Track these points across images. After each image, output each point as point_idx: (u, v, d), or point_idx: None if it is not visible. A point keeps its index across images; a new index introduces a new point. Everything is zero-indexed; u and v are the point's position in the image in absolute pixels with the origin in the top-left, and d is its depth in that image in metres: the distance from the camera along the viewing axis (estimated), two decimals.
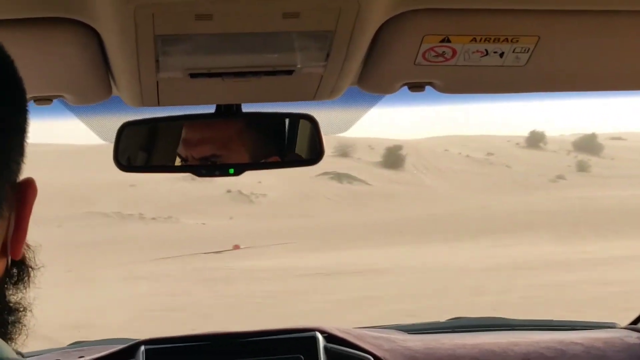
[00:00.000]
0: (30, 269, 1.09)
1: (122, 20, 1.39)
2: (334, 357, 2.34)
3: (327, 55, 1.58)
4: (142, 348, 2.30)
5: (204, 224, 46.65)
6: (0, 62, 0.97)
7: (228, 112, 1.96)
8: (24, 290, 1.08)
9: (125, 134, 1.97)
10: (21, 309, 1.08)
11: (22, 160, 0.97)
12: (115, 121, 2.04)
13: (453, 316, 3.08)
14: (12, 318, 1.06)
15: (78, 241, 37.91)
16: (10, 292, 1.06)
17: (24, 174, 0.97)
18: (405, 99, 1.96)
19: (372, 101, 2.14)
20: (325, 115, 2.06)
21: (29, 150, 0.98)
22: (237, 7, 1.39)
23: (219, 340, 2.35)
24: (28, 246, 1.08)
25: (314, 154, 2.00)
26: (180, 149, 2.02)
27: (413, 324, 2.90)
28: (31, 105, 1.72)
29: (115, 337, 2.89)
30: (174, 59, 1.55)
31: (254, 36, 1.50)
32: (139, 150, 2.03)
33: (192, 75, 1.61)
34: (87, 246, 36.30)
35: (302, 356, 2.31)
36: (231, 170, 1.96)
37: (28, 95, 1.68)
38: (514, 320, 2.94)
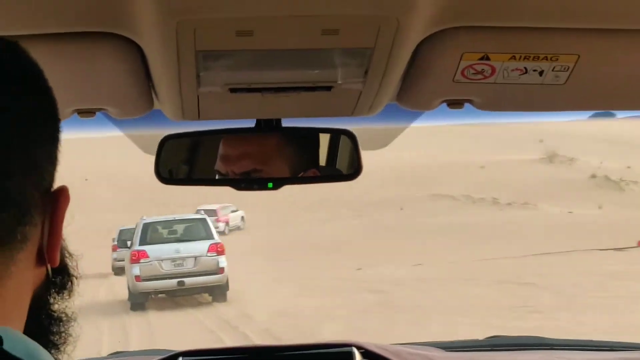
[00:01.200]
0: (73, 278, 1.11)
1: (164, 35, 1.41)
2: None
3: (366, 72, 1.59)
4: (180, 359, 2.32)
5: (570, 212, 39.46)
6: (30, 72, 0.99)
7: (268, 126, 1.98)
8: (68, 299, 1.10)
9: (166, 147, 1.99)
10: (64, 318, 1.09)
11: (54, 169, 0.99)
12: (156, 135, 2.07)
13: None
14: (57, 328, 1.08)
15: (420, 225, 34.10)
16: (54, 301, 1.08)
17: None
18: (444, 115, 1.96)
19: (411, 118, 2.15)
20: (364, 131, 2.07)
21: None
22: (278, 24, 1.41)
23: (256, 354, 2.37)
24: (70, 255, 1.10)
25: (353, 169, 2.01)
26: (219, 165, 2.04)
27: (451, 342, 2.89)
28: (76, 118, 1.77)
29: None
30: (215, 74, 1.57)
31: (293, 52, 1.52)
32: (180, 163, 2.05)
33: (232, 90, 1.63)
34: (432, 232, 32.19)
35: None
36: (270, 185, 1.97)
37: (71, 108, 1.72)
38: (553, 340, 2.92)
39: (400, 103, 1.83)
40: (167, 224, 16.98)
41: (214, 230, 16.75)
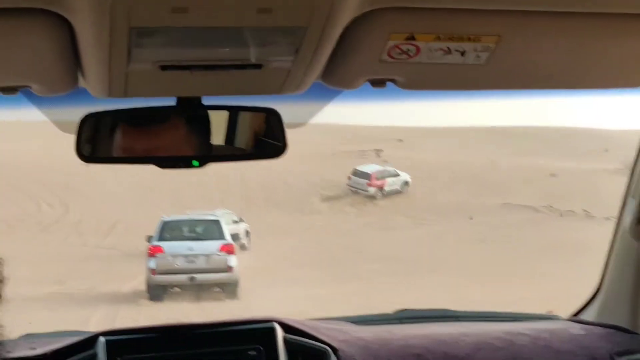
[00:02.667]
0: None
1: (98, 12, 1.40)
2: (292, 347, 2.38)
3: (297, 51, 1.61)
4: (102, 339, 2.30)
5: None
6: None
7: (189, 104, 1.97)
8: None
9: (86, 125, 1.97)
10: None
11: None
12: (74, 113, 2.04)
13: None
14: None
15: (491, 239, 26.40)
16: None
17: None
18: (365, 95, 2.00)
19: (330, 96, 2.17)
20: (284, 108, 2.09)
21: None
22: (213, 1, 1.42)
23: (179, 331, 2.37)
24: None
25: (278, 147, 2.03)
26: (136, 143, 2.03)
27: (361, 316, 2.95)
28: None
29: None
30: (147, 51, 1.56)
31: (227, 30, 1.53)
32: (101, 141, 2.03)
33: (163, 68, 1.63)
34: (543, 249, 23.91)
35: (261, 347, 2.34)
36: (195, 163, 1.98)
37: None
38: (460, 312, 3.01)
39: (326, 81, 1.85)
40: (184, 223, 18.25)
41: (226, 231, 18.01)
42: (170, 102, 1.97)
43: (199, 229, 18.24)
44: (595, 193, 31.17)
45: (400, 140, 39.10)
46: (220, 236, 17.78)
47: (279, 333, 2.38)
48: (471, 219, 29.82)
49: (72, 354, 2.31)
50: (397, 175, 34.04)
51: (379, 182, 33.15)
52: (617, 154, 35.28)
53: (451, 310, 3.02)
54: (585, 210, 30.49)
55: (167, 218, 18.55)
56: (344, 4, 1.45)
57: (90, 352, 2.31)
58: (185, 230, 18.18)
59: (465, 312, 3.01)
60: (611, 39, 1.75)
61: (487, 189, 32.38)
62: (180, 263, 16.85)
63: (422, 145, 37.31)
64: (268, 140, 2.06)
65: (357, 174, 34.09)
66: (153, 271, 16.72)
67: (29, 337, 2.70)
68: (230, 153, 2.10)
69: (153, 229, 18.82)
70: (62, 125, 2.17)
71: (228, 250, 17.37)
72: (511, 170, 34.01)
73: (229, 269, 17.06)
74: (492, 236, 26.28)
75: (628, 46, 1.79)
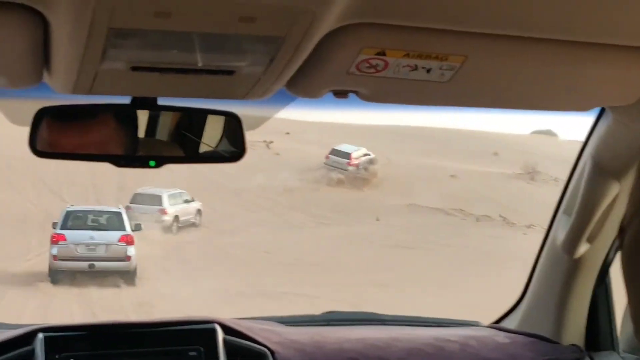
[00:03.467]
0: None
1: (80, 10, 1.38)
2: (232, 349, 2.38)
3: (271, 60, 1.62)
4: (40, 335, 2.26)
5: None
6: None
7: (144, 103, 1.96)
8: None
9: (41, 119, 1.93)
10: None
11: None
12: (26, 105, 2.00)
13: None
14: None
15: (406, 244, 23.78)
16: None
17: None
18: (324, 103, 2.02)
19: (284, 103, 2.19)
20: (237, 112, 2.09)
21: None
22: (197, 8, 1.42)
23: (119, 329, 2.34)
24: None
25: (236, 151, 2.03)
26: (97, 145, 2.00)
27: (290, 316, 2.97)
28: None
29: None
30: (121, 52, 1.55)
31: (206, 36, 1.52)
32: (55, 136, 1.99)
33: (134, 68, 1.61)
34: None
35: (201, 348, 2.34)
36: (152, 163, 1.96)
37: None
38: (385, 316, 3.06)
39: (290, 90, 1.86)
40: (88, 213, 19.10)
41: (127, 223, 18.78)
42: (126, 100, 1.95)
43: (101, 219, 19.03)
44: (505, 198, 29.24)
45: (288, 133, 38.38)
46: (121, 227, 18.51)
47: (219, 334, 2.38)
48: (378, 220, 26.79)
49: (8, 350, 2.26)
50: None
51: (356, 162, 31.65)
52: (508, 158, 34.39)
53: (377, 314, 3.07)
54: (502, 217, 27.61)
55: (71, 208, 19.23)
56: (324, 16, 1.47)
57: (28, 348, 2.26)
58: (89, 220, 18.89)
59: (391, 316, 3.06)
60: (570, 65, 1.82)
61: (388, 188, 30.27)
62: (81, 251, 17.57)
63: (310, 139, 35.54)
64: (225, 143, 2.06)
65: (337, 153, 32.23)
66: (55, 257, 17.47)
67: None
68: (187, 155, 2.09)
69: None
70: (12, 117, 2.12)
71: (127, 240, 18.19)
72: (410, 170, 31.92)
73: (127, 258, 17.88)
74: (405, 240, 24.05)
75: (584, 73, 1.87)
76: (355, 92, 1.88)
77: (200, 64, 1.63)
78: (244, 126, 2.03)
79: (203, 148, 2.09)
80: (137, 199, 22.91)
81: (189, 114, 2.07)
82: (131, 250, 18.11)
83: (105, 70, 1.63)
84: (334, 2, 1.42)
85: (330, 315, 3.04)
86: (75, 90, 1.76)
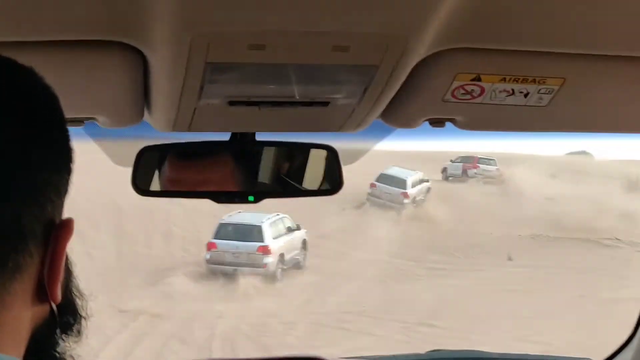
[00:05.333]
0: (81, 318, 1.04)
1: (176, 47, 1.40)
2: None
3: (365, 89, 1.61)
4: None
5: None
6: (45, 97, 0.99)
7: (243, 140, 1.98)
8: (75, 340, 1.03)
9: (143, 158, 1.97)
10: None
11: (60, 200, 0.96)
12: (126, 146, 2.04)
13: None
14: None
15: None
16: (58, 342, 1.02)
17: None
18: (419, 133, 2.00)
19: (381, 135, 2.18)
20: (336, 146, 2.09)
21: None
22: (290, 39, 1.42)
23: None
24: (80, 294, 1.05)
25: (333, 184, 2.03)
26: (197, 183, 2.03)
27: (394, 355, 2.93)
28: None
29: None
30: (219, 87, 1.57)
31: (300, 67, 1.53)
32: (157, 174, 2.03)
33: (231, 103, 1.63)
34: None
35: None
36: (251, 198, 1.97)
37: None
38: (492, 354, 2.99)
39: (386, 120, 1.86)
40: (235, 226, 22.01)
41: (265, 236, 21.74)
42: (225, 136, 1.98)
43: (245, 232, 21.83)
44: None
45: None
46: (260, 239, 21.60)
47: None
48: (511, 259, 21.32)
49: None
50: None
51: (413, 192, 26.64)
52: (567, 178, 29.46)
53: (484, 352, 3.00)
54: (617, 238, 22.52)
55: (223, 220, 22.20)
56: (416, 43, 1.46)
57: None
58: (235, 231, 21.84)
59: (499, 354, 2.98)
60: None
61: (472, 216, 24.50)
62: (228, 257, 21.02)
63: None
64: (322, 176, 2.06)
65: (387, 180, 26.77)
66: (207, 261, 21.27)
67: None
68: (285, 189, 2.10)
69: None
70: (115, 158, 2.17)
71: (264, 251, 21.36)
72: (479, 195, 26.91)
73: (263, 265, 21.03)
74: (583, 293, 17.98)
75: None
76: (451, 120, 1.86)
77: (295, 96, 1.64)
78: (341, 160, 2.03)
79: (300, 181, 2.09)
80: (225, 231, 22.15)
81: (286, 149, 2.08)
82: (267, 259, 21.18)
83: (203, 106, 1.66)
84: (426, 28, 1.41)
85: (436, 354, 2.98)
86: (175, 127, 1.79)
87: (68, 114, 1.69)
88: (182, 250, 22.54)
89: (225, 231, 21.98)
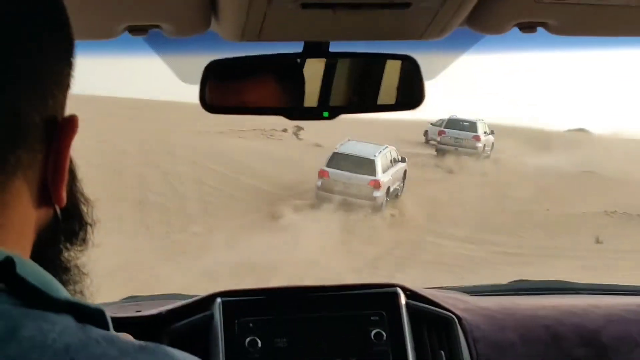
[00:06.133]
0: (87, 225, 0.98)
1: None
2: (415, 313, 2.26)
3: None
4: (219, 300, 2.21)
5: None
6: None
7: (317, 51, 1.84)
8: (80, 249, 0.98)
9: (210, 73, 1.86)
10: (74, 270, 0.98)
11: (63, 94, 0.89)
12: (191, 61, 1.94)
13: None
14: (65, 277, 0.96)
15: None
16: (63, 248, 0.96)
17: None
18: (508, 43, 1.85)
19: (463, 46, 2.03)
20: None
21: None
22: None
23: (298, 294, 2.26)
24: (86, 200, 0.99)
25: (414, 97, 1.89)
26: (269, 98, 1.91)
27: (475, 286, 2.82)
28: (127, 37, 1.62)
29: None
30: None
31: None
32: (226, 90, 1.92)
33: (304, 6, 1.49)
34: None
35: (383, 312, 2.22)
36: (325, 114, 1.85)
37: (123, 24, 1.58)
38: (577, 284, 2.85)
39: (472, 26, 1.70)
40: (348, 157, 22.45)
41: (377, 170, 22.10)
42: (298, 47, 1.85)
43: (357, 164, 22.18)
44: None
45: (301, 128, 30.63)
46: (372, 173, 21.92)
47: (402, 298, 2.26)
48: (600, 242, 17.98)
49: (188, 315, 2.23)
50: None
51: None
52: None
53: (570, 283, 2.86)
54: None
55: (337, 150, 22.90)
56: None
57: (207, 313, 2.22)
58: (348, 162, 22.19)
59: (582, 284, 2.84)
60: None
61: (528, 192, 22.06)
62: (338, 187, 21.37)
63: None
64: (403, 90, 1.92)
65: (455, 125, 27.05)
66: (318, 188, 21.79)
67: (132, 299, 2.63)
68: (362, 103, 1.97)
69: None
70: (183, 76, 2.07)
71: (375, 184, 21.71)
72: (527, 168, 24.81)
73: (373, 198, 21.32)
74: None
75: None
76: (543, 24, 1.69)
77: None
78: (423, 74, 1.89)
79: (378, 95, 1.96)
80: (337, 161, 22.55)
81: (363, 60, 1.94)
82: (376, 193, 21.50)
83: (274, 11, 1.53)
84: None
85: (519, 284, 2.86)
86: (244, 36, 1.66)
87: (131, 22, 1.60)
88: None
89: (337, 161, 22.36)
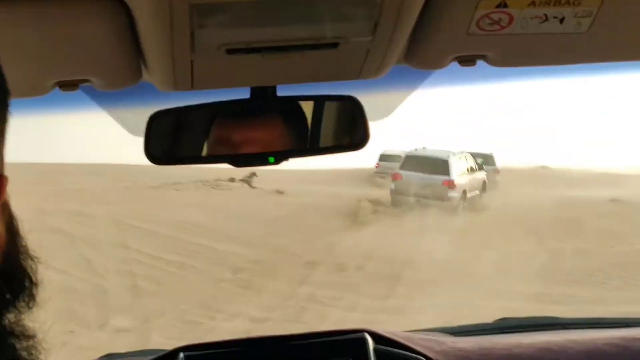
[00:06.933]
0: (32, 285, 0.94)
1: None
2: (384, 358, 2.21)
3: (375, 26, 1.45)
4: (181, 355, 2.18)
5: None
6: None
7: (263, 96, 1.83)
8: (26, 310, 0.93)
9: (155, 124, 1.85)
10: (19, 333, 0.93)
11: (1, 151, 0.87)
12: (139, 113, 1.93)
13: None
14: (8, 343, 0.91)
15: None
16: (5, 312, 0.91)
17: None
18: (452, 78, 1.83)
19: (415, 82, 2.01)
20: (363, 100, 1.92)
21: None
22: None
23: (263, 345, 2.22)
24: (30, 257, 0.95)
25: (358, 138, 1.87)
26: (215, 148, 1.89)
27: (460, 326, 2.76)
28: (57, 93, 1.61)
29: None
30: (210, 32, 1.42)
31: (297, 5, 1.38)
32: (171, 141, 1.90)
33: (229, 52, 1.48)
34: None
35: (350, 359, 2.18)
36: (271, 159, 1.83)
37: (52, 80, 1.57)
38: (565, 319, 2.80)
39: (409, 62, 1.68)
40: (421, 159, 23.04)
41: (451, 170, 22.47)
42: (242, 93, 1.84)
43: (430, 165, 22.70)
44: None
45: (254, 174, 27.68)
46: (445, 173, 22.33)
47: (370, 344, 2.22)
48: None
49: None
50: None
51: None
52: None
53: (557, 318, 2.81)
54: None
55: (410, 153, 23.71)
56: None
57: None
58: (421, 164, 22.76)
59: (572, 319, 2.79)
60: None
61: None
62: (412, 188, 21.78)
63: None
64: (348, 130, 1.90)
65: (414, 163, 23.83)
66: (392, 191, 22.49)
67: (108, 357, 2.60)
68: (307, 147, 1.95)
69: None
70: (130, 128, 2.06)
71: (449, 185, 22.09)
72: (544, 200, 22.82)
73: (447, 198, 21.60)
74: None
75: None
76: (482, 56, 1.67)
77: (298, 39, 1.48)
78: (367, 113, 1.87)
79: (322, 138, 1.94)
80: (410, 163, 23.24)
81: (306, 103, 1.92)
82: (451, 193, 21.90)
83: (200, 59, 1.52)
84: None
85: (504, 323, 2.80)
86: (178, 86, 1.66)
87: (60, 77, 1.59)
88: None
89: (410, 163, 22.96)
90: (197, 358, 2.18)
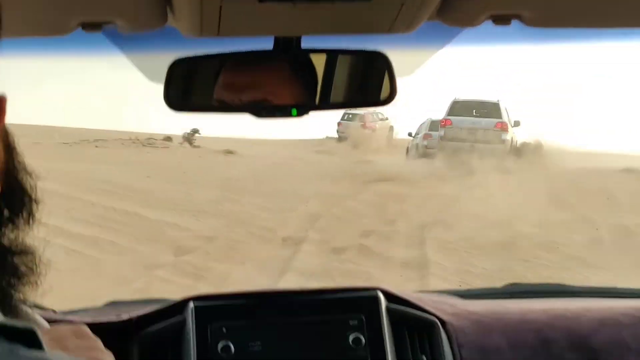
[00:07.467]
0: (31, 201, 0.93)
1: None
2: (396, 317, 2.19)
3: None
4: (191, 304, 2.16)
5: None
6: None
7: (288, 46, 1.78)
8: (25, 228, 0.91)
9: (175, 71, 1.80)
10: (19, 250, 0.92)
11: None
12: (160, 59, 1.88)
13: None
14: (9, 261, 0.91)
15: None
16: (4, 230, 0.90)
17: None
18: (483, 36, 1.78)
19: (442, 41, 1.95)
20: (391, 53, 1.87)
21: None
22: None
23: (274, 298, 2.20)
24: (28, 173, 0.93)
25: (385, 94, 1.83)
26: (221, 93, 1.85)
27: (468, 290, 2.75)
28: (80, 33, 1.56)
29: None
30: None
31: None
32: (192, 89, 1.86)
33: (260, 0, 1.43)
34: None
35: (363, 316, 2.16)
36: (294, 112, 1.79)
37: (76, 20, 1.52)
38: (574, 287, 2.77)
39: (442, 19, 1.63)
40: (470, 103, 22.55)
41: (504, 113, 22.08)
42: (267, 42, 1.79)
43: (480, 109, 22.38)
44: None
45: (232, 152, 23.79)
46: (498, 116, 21.98)
47: (383, 302, 2.20)
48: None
49: (160, 320, 2.17)
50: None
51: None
52: None
53: (567, 286, 2.78)
54: None
55: (457, 98, 22.83)
56: None
57: (179, 318, 2.16)
58: (470, 108, 22.37)
59: (583, 287, 2.77)
60: None
61: None
62: (463, 134, 21.44)
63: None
64: (373, 86, 1.86)
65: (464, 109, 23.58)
66: (442, 138, 21.74)
67: (113, 304, 2.57)
68: (332, 100, 1.90)
69: None
70: (150, 74, 2.01)
71: (502, 127, 21.71)
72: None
73: (501, 141, 21.39)
74: None
75: None
76: (518, 16, 1.62)
77: None
78: (395, 70, 1.82)
79: (349, 91, 1.90)
80: (458, 109, 22.80)
81: (333, 55, 1.88)
82: (505, 136, 21.52)
83: (230, 5, 1.46)
84: None
85: (513, 288, 2.77)
86: (203, 32, 1.60)
87: (84, 17, 1.54)
88: None
89: (458, 108, 22.43)
90: (206, 308, 2.15)
